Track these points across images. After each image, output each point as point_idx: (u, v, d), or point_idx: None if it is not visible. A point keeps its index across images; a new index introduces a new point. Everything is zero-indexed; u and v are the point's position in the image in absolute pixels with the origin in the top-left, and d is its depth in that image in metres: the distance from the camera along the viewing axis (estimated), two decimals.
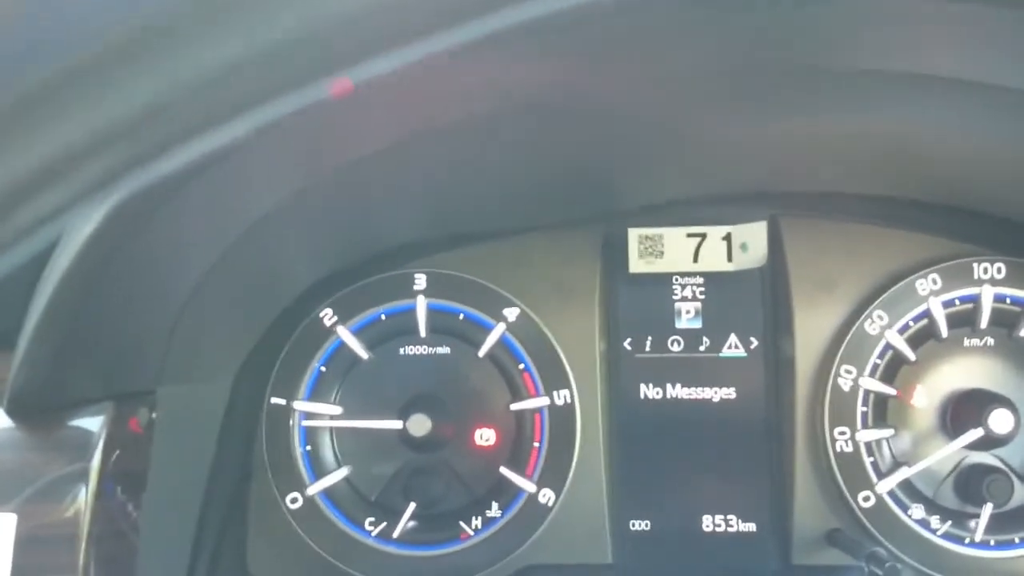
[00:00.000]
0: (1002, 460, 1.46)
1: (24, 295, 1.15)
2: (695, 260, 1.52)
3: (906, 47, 1.00)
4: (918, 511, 1.46)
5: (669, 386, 1.54)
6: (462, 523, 1.50)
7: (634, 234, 1.53)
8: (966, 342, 1.49)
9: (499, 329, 1.50)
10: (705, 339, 1.54)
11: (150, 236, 1.05)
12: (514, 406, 1.51)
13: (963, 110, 1.14)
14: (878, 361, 1.47)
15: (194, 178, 1.01)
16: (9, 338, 1.16)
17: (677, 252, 1.52)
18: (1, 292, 1.18)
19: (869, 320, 1.47)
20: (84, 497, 1.17)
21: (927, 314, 1.47)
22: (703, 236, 1.52)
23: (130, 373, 1.22)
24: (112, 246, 1.03)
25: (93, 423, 1.18)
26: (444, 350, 1.54)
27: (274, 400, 1.51)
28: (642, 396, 1.55)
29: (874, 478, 1.45)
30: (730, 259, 1.52)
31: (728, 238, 1.51)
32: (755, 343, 1.53)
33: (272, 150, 1.05)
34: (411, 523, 1.49)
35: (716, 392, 1.53)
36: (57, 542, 1.16)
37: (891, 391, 1.47)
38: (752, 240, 1.51)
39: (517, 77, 1.02)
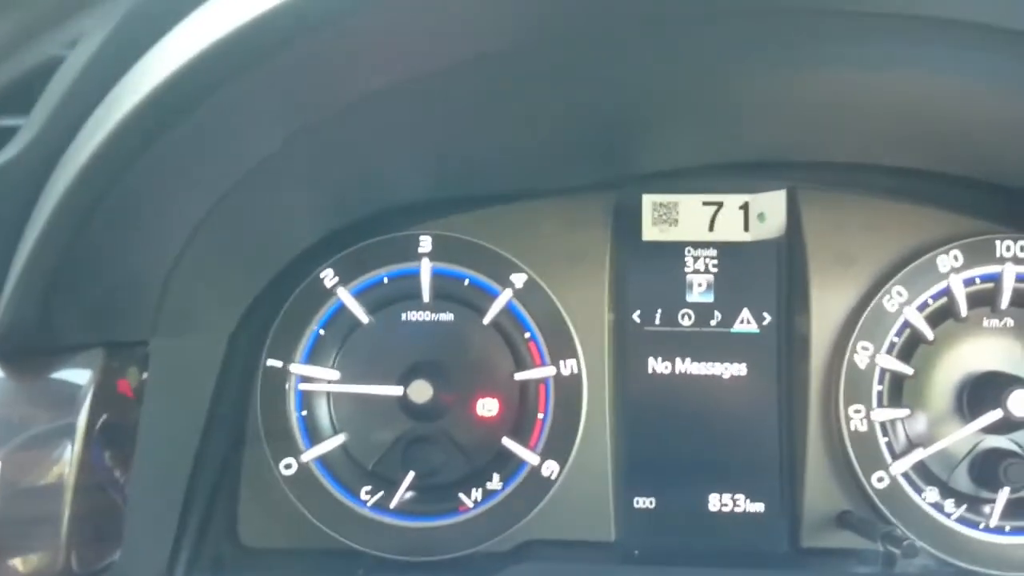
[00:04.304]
0: (1019, 444, 1.43)
1: (8, 238, 1.10)
2: (711, 229, 1.48)
3: None
4: (932, 494, 1.42)
5: (679, 361, 1.50)
6: (461, 495, 1.45)
7: (648, 200, 1.48)
8: (985, 322, 1.45)
9: (505, 296, 1.46)
10: (717, 313, 1.50)
11: (142, 175, 1.00)
12: (519, 375, 1.46)
13: (993, 67, 1.09)
14: (895, 339, 1.44)
15: (184, 112, 0.97)
16: None
17: (692, 220, 1.48)
18: None
19: (888, 296, 1.42)
20: (71, 450, 1.12)
21: (947, 292, 1.43)
22: (719, 204, 1.48)
23: (122, 320, 1.17)
24: (104, 182, 0.98)
25: (84, 371, 1.13)
26: (447, 316, 1.49)
27: (270, 362, 1.46)
28: (650, 370, 1.50)
29: (888, 459, 1.41)
30: (747, 229, 1.47)
31: (745, 207, 1.47)
32: (768, 318, 1.49)
33: (264, 88, 1.00)
34: (409, 493, 1.43)
35: (727, 368, 1.49)
36: (42, 494, 1.11)
37: (908, 370, 1.43)
38: (770, 210, 1.47)
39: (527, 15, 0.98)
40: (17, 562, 1.09)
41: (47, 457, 1.12)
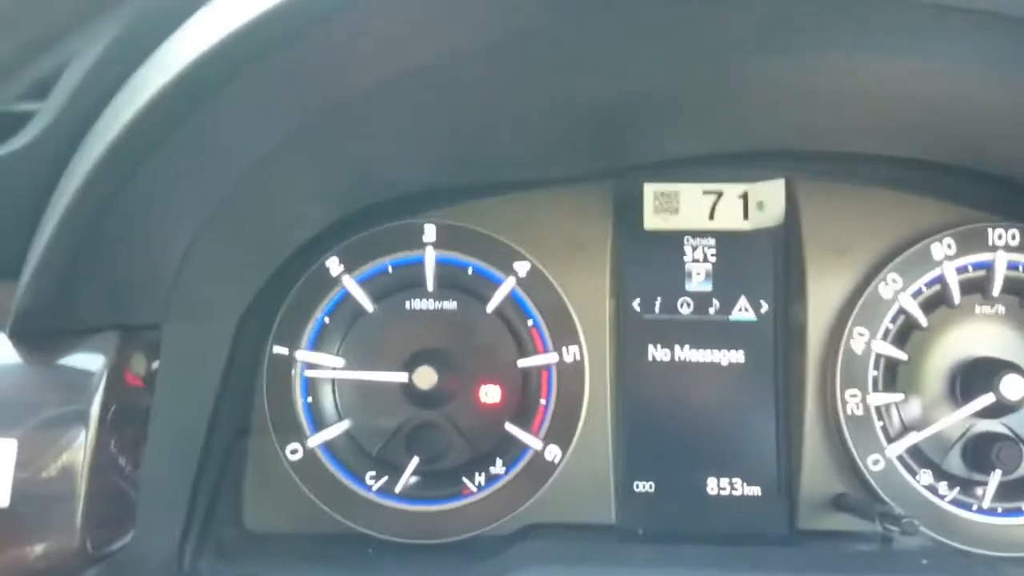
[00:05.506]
0: (1010, 428, 1.46)
1: (27, 226, 1.12)
2: (711, 218, 1.50)
3: None
4: (926, 477, 1.45)
5: (678, 348, 1.52)
6: (465, 479, 1.47)
7: (649, 189, 1.51)
8: (977, 309, 1.48)
9: (508, 284, 1.48)
10: (715, 302, 1.52)
11: (153, 168, 1.02)
12: (522, 362, 1.48)
13: (989, 56, 1.11)
14: (890, 325, 1.47)
15: (189, 111, 0.98)
16: (10, 268, 1.12)
17: (693, 209, 1.51)
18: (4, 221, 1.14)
19: (884, 283, 1.46)
20: (86, 433, 1.13)
21: (940, 279, 1.46)
22: (719, 194, 1.50)
23: (137, 304, 1.19)
24: (128, 166, 1.00)
25: (98, 354, 1.14)
26: (451, 304, 1.51)
27: (276, 349, 1.47)
28: (650, 358, 1.52)
29: (884, 442, 1.44)
30: (746, 217, 1.50)
31: (745, 196, 1.50)
32: (765, 307, 1.52)
33: (266, 81, 1.02)
34: (413, 478, 1.46)
35: (725, 355, 1.52)
36: (57, 476, 1.12)
37: (902, 356, 1.46)
38: (769, 198, 1.50)
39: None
40: (35, 541, 1.11)
41: (62, 440, 1.13)
